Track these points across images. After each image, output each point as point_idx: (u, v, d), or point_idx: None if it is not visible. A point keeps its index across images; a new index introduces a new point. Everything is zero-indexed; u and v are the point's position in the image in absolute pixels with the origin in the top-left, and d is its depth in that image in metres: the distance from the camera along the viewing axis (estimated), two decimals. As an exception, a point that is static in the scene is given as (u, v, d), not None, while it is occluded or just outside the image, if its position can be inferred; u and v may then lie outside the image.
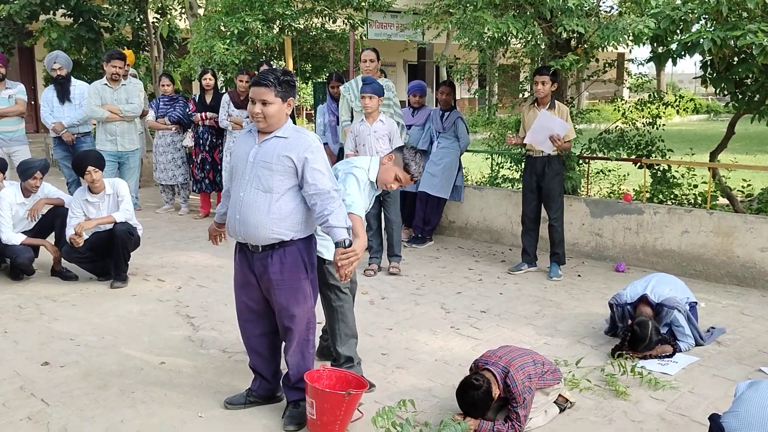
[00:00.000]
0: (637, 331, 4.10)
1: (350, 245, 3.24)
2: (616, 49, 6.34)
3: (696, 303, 4.64)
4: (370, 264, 6.19)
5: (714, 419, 2.82)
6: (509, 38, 5.91)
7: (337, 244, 3.25)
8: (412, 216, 7.48)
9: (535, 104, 5.97)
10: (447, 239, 7.57)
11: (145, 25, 12.61)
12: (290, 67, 8.83)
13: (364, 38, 9.39)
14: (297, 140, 3.27)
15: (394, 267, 6.20)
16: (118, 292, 5.61)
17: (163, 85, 8.74)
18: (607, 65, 7.12)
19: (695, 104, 6.89)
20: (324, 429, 3.26)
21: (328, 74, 8.42)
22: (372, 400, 3.64)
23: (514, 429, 3.27)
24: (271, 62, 9.03)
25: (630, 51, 6.23)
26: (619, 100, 7.37)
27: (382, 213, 6.25)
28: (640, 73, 8.10)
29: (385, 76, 6.76)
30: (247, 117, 4.89)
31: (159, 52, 12.69)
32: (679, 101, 6.98)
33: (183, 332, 4.72)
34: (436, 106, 7.48)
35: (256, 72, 7.46)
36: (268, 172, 3.25)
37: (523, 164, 6.37)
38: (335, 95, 7.37)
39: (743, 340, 4.58)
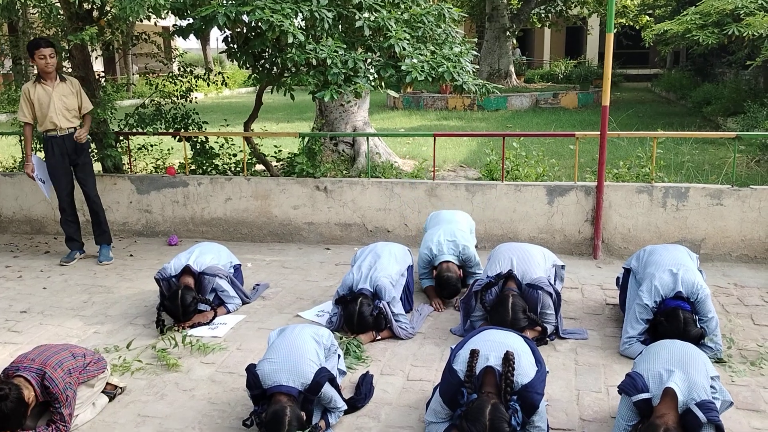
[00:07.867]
0: (169, 305, 4.21)
1: None
2: (149, 20, 6.15)
3: (240, 265, 4.93)
4: None
5: (250, 369, 3.05)
6: (18, 6, 5.30)
7: None
8: (-77, 216, 6.30)
9: (41, 80, 5.50)
10: (-24, 237, 6.61)
11: None
12: None
13: None
14: None
15: None
16: None
17: None
18: (136, 38, 6.95)
19: (224, 78, 7.18)
20: None
21: None
22: None
23: (59, 430, 3.04)
24: None
25: (175, 25, 6.04)
26: (168, 74, 7.23)
27: None
28: (176, 48, 8.12)
29: None
30: None
31: None
32: (208, 75, 7.21)
33: None
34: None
35: None
36: None
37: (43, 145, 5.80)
38: None
39: (284, 291, 5.04)
